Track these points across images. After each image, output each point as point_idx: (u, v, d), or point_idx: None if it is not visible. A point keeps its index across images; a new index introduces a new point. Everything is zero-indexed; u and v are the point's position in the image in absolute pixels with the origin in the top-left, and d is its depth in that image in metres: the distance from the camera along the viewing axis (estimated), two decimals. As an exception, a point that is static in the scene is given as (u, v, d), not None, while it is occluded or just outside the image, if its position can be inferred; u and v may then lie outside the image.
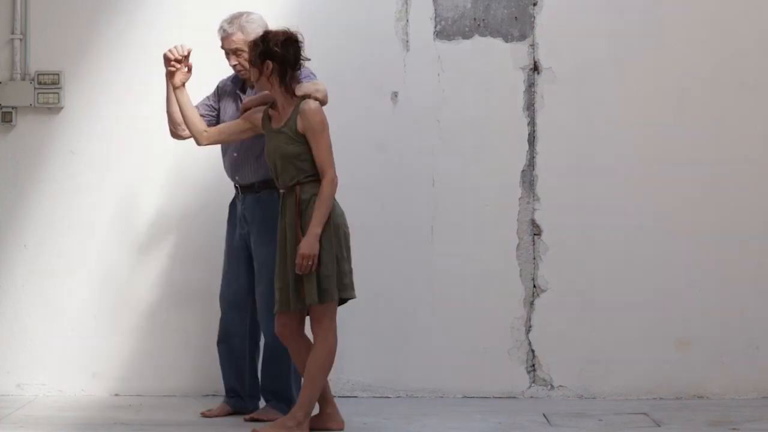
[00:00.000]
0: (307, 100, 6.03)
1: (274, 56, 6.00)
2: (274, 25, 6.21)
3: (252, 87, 6.39)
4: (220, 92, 6.57)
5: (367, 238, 6.92)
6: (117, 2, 7.15)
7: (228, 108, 6.51)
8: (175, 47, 6.36)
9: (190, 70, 6.38)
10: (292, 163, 5.99)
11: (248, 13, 6.43)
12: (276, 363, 6.39)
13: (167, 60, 6.35)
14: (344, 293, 6.03)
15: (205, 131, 6.35)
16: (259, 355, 6.56)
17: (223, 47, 6.42)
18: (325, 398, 6.14)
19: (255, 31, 6.30)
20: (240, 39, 6.35)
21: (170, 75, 6.36)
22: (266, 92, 6.16)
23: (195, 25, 7.03)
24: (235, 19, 6.40)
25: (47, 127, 7.17)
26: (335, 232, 5.99)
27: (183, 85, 6.36)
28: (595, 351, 7.07)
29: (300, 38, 6.06)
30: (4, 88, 7.12)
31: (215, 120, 6.53)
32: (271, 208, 6.29)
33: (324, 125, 6.01)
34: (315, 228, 5.90)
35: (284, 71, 6.02)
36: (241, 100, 6.46)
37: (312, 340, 6.06)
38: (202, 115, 6.49)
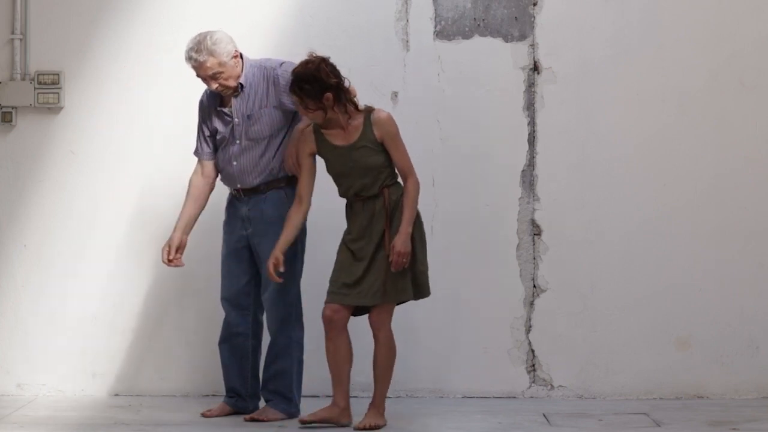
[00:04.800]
0: (377, 109, 6.16)
1: (330, 87, 6.03)
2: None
3: (236, 96, 6.35)
4: (204, 112, 6.50)
5: (367, 238, 6.93)
6: (117, 2, 7.16)
7: (218, 125, 6.45)
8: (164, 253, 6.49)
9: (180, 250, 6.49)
10: (380, 173, 6.12)
11: (210, 34, 6.30)
12: (280, 362, 6.41)
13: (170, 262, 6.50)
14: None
15: (303, 205, 6.21)
16: (260, 355, 6.56)
17: (198, 76, 6.33)
18: (345, 392, 6.21)
19: (225, 49, 6.26)
20: (214, 63, 6.27)
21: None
22: (298, 128, 6.24)
23: (195, 24, 7.02)
24: (200, 45, 6.27)
25: (47, 127, 7.17)
26: (421, 229, 6.18)
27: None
28: (595, 351, 7.07)
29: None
30: (4, 88, 7.12)
31: (215, 143, 6.48)
32: (279, 208, 6.31)
33: (398, 129, 6.15)
34: (408, 227, 6.06)
35: (340, 93, 6.06)
36: (227, 115, 6.41)
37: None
38: (209, 152, 6.47)
